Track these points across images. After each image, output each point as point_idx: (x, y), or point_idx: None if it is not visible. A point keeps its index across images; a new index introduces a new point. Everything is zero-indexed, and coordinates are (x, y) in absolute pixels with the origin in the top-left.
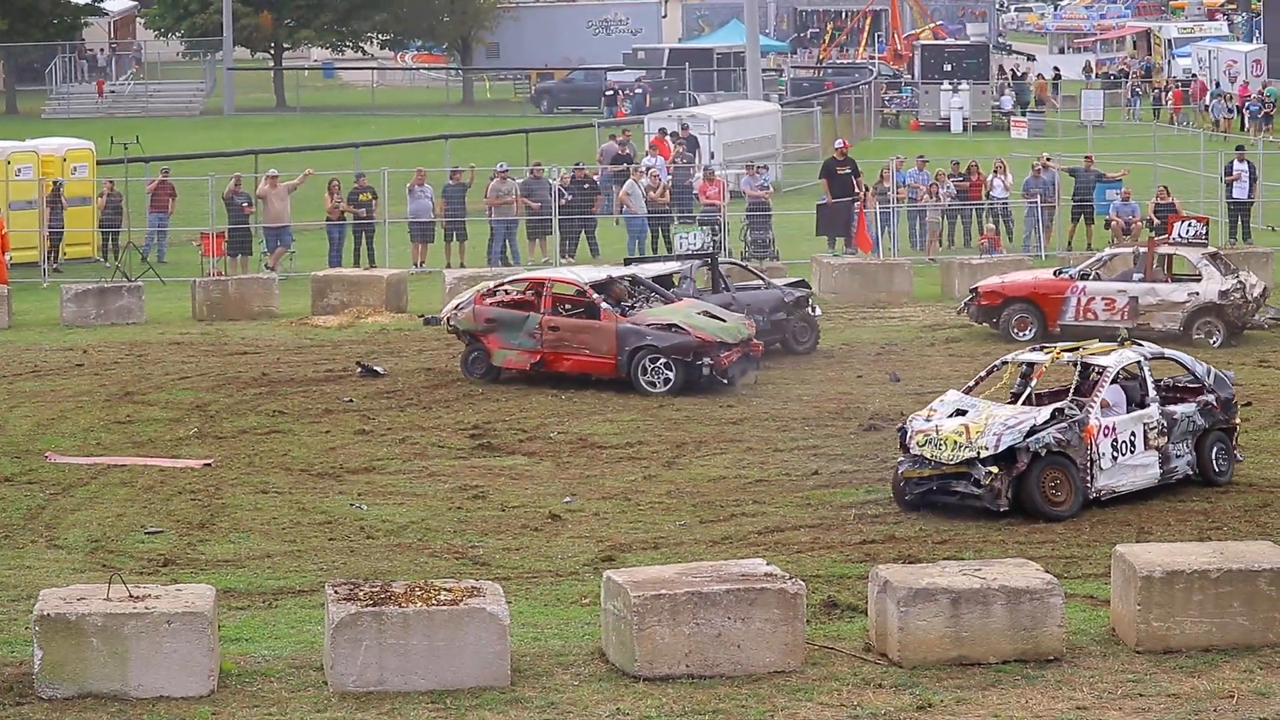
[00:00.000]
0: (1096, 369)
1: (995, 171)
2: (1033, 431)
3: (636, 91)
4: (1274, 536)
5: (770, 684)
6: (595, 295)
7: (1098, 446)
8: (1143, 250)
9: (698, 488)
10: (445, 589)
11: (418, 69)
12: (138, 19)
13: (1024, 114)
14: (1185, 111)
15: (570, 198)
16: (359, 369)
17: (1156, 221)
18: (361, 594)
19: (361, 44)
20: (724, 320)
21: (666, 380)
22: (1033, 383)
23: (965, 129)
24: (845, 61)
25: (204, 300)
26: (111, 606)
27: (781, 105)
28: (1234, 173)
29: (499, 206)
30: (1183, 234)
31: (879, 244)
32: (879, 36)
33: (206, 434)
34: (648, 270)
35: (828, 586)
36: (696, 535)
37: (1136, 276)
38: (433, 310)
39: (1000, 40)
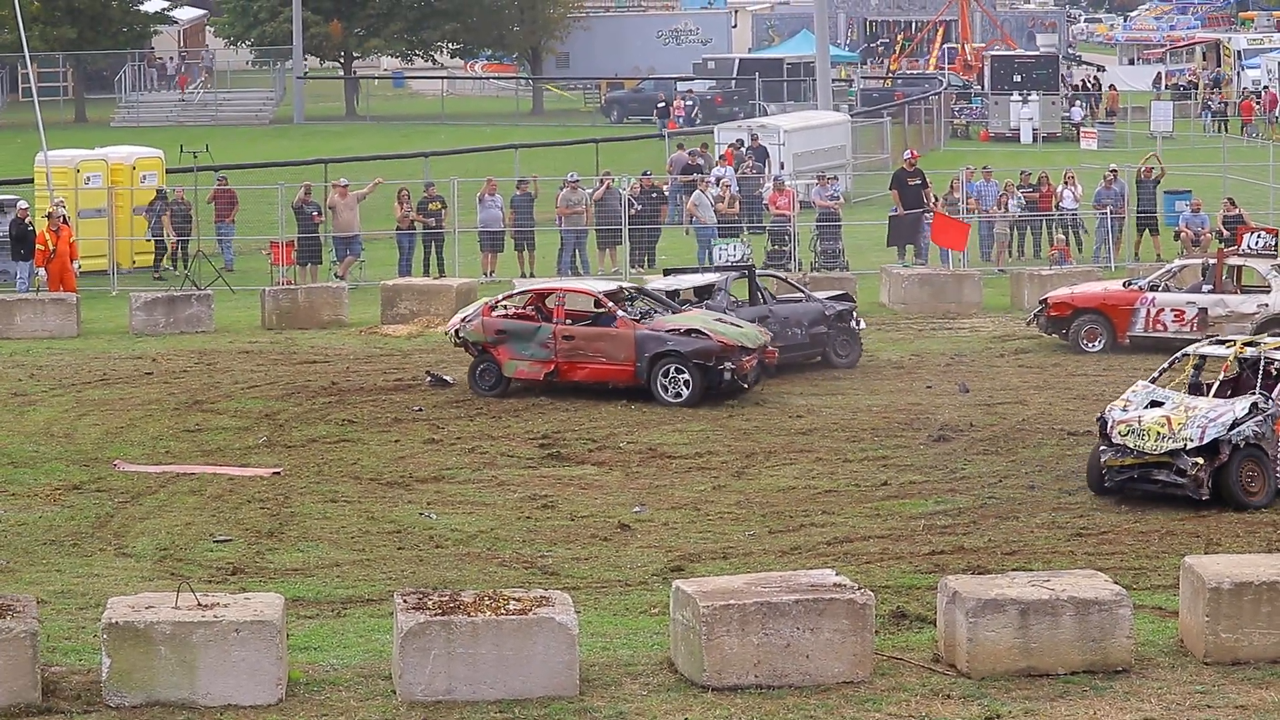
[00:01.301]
0: (1278, 364)
1: (1065, 182)
2: (1234, 425)
3: (688, 103)
4: None
5: (839, 694)
6: (611, 303)
7: None
8: (1212, 262)
9: (767, 498)
10: (514, 598)
11: (487, 78)
12: (207, 27)
13: (1094, 124)
14: (1256, 123)
15: (640, 208)
16: (428, 378)
17: (1226, 233)
18: (430, 603)
19: (431, 53)
20: (740, 327)
21: (684, 388)
22: (1219, 376)
23: (1035, 140)
24: (915, 72)
25: (273, 309)
26: (180, 615)
27: (851, 115)
28: None
29: (569, 216)
30: (1252, 245)
31: (948, 256)
32: (949, 47)
33: (275, 442)
34: (685, 282)
35: (896, 597)
36: (765, 545)
37: (1206, 288)
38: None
39: (1070, 51)
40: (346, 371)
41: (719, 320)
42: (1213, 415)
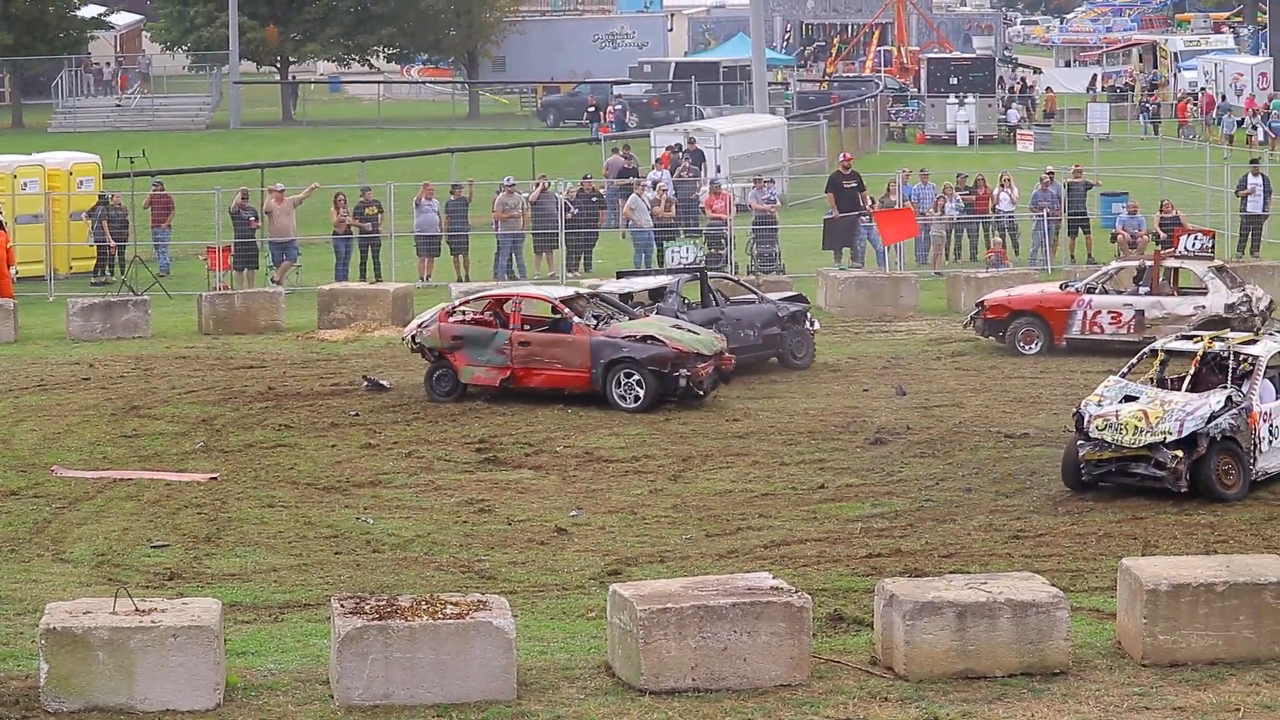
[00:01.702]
0: (1248, 358)
1: (1001, 185)
2: (1212, 418)
3: (617, 108)
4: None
5: (776, 697)
6: (567, 309)
7: (1259, 431)
8: (1149, 264)
9: (703, 501)
10: (451, 603)
11: (424, 82)
12: (144, 32)
13: (1030, 127)
14: (1192, 124)
15: (576, 211)
16: (365, 383)
17: (1162, 235)
18: (368, 607)
19: (368, 57)
20: (696, 334)
21: (638, 396)
22: (1189, 371)
23: (971, 142)
24: (851, 75)
25: (210, 314)
26: (117, 620)
27: (787, 119)
28: (1248, 186)
29: (505, 220)
30: (1189, 247)
31: (885, 258)
32: (885, 50)
33: (212, 448)
34: (638, 284)
35: (834, 600)
36: (702, 549)
37: (1143, 290)
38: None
39: (1006, 53)
40: (283, 376)
41: (676, 327)
42: (1190, 409)
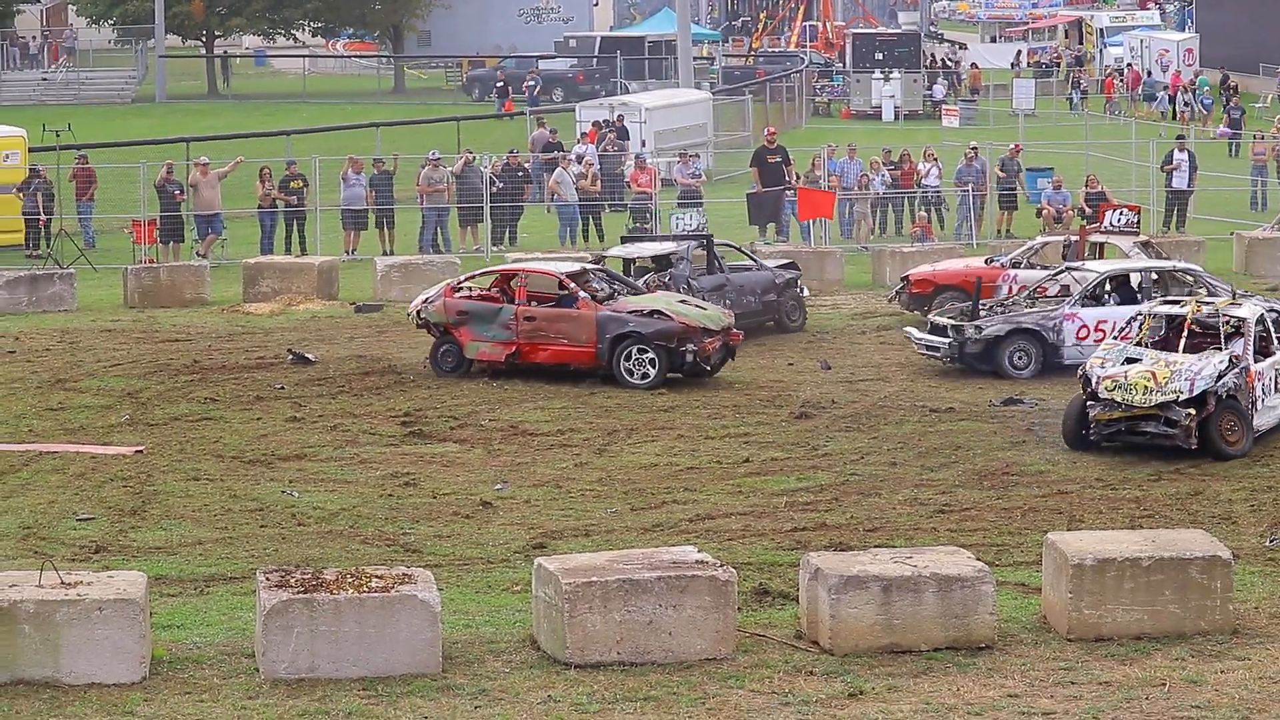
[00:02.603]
0: (1237, 320)
1: (926, 160)
2: (1219, 377)
3: (529, 84)
4: (1205, 525)
5: (701, 671)
6: (573, 285)
7: (1255, 390)
8: (1074, 239)
9: (629, 475)
10: (377, 576)
11: (349, 56)
12: (70, 6)
13: (956, 102)
14: (1118, 100)
15: (501, 185)
16: (290, 356)
17: (1088, 210)
18: (293, 581)
19: (293, 31)
20: (704, 308)
21: (647, 372)
22: (1185, 333)
23: (897, 117)
24: (777, 50)
25: (136, 287)
26: (43, 593)
27: (713, 93)
28: (1174, 162)
29: (431, 194)
30: (1114, 222)
31: (810, 232)
32: (810, 25)
33: (138, 421)
34: (645, 250)
35: (759, 574)
36: (628, 523)
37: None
38: (364, 298)
39: (932, 28)
40: (208, 350)
41: (683, 302)
42: (1196, 369)
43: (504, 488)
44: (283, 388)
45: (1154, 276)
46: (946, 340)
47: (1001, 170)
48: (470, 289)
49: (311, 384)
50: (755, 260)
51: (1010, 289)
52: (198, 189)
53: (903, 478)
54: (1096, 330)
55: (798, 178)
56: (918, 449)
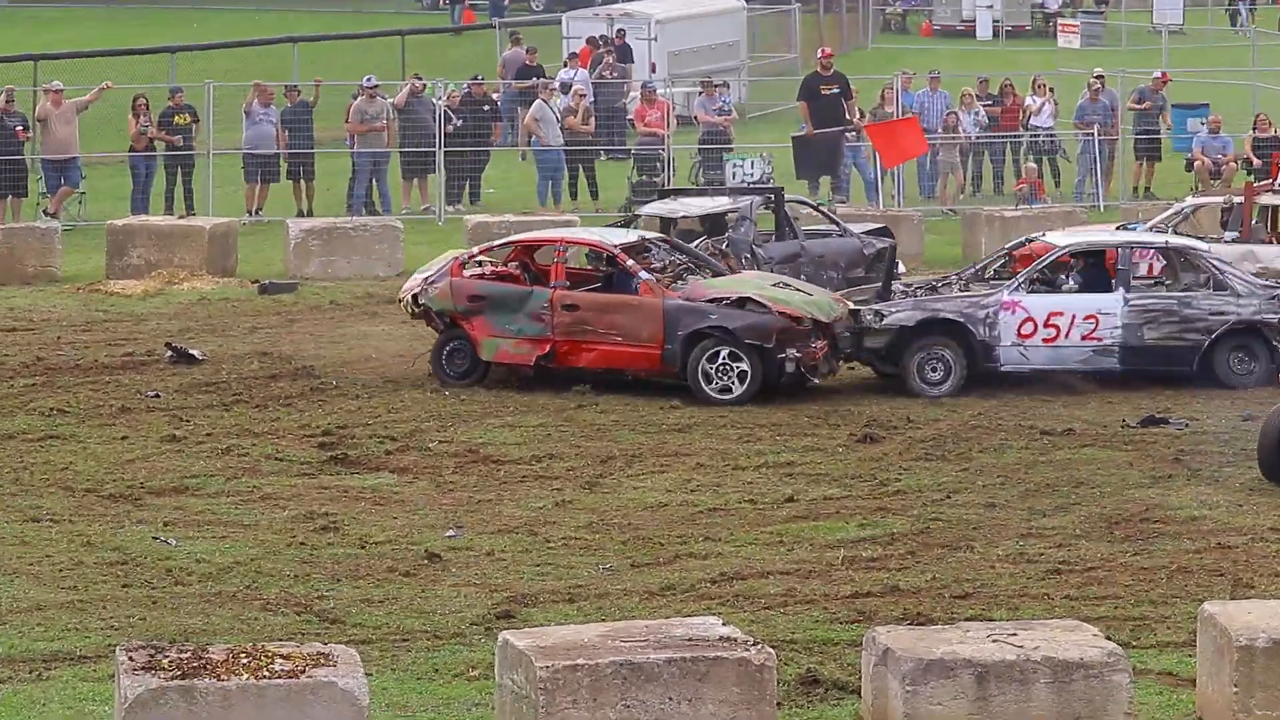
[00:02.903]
0: None
1: (1037, 93)
2: None
3: None
4: None
5: None
6: (630, 261)
7: None
8: (1237, 199)
9: (629, 519)
10: (282, 656)
11: None
12: None
13: (1076, 15)
14: None
15: (460, 123)
16: (169, 353)
17: (1256, 162)
18: (166, 662)
19: None
20: (810, 294)
21: (733, 384)
22: None
23: (996, 35)
24: None
25: None
26: None
27: (747, 2)
28: None
29: (365, 135)
30: None
31: (878, 189)
32: None
33: None
34: (691, 208)
35: (807, 656)
36: (627, 584)
37: (1229, 236)
38: (271, 275)
39: None
40: (57, 343)
41: (782, 285)
42: None
43: (458, 535)
44: (158, 396)
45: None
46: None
47: (1139, 105)
48: (484, 265)
49: (197, 391)
50: (838, 223)
51: (1151, 267)
52: (48, 124)
53: (1004, 525)
54: (1047, 326)
55: (861, 115)
56: (1024, 485)
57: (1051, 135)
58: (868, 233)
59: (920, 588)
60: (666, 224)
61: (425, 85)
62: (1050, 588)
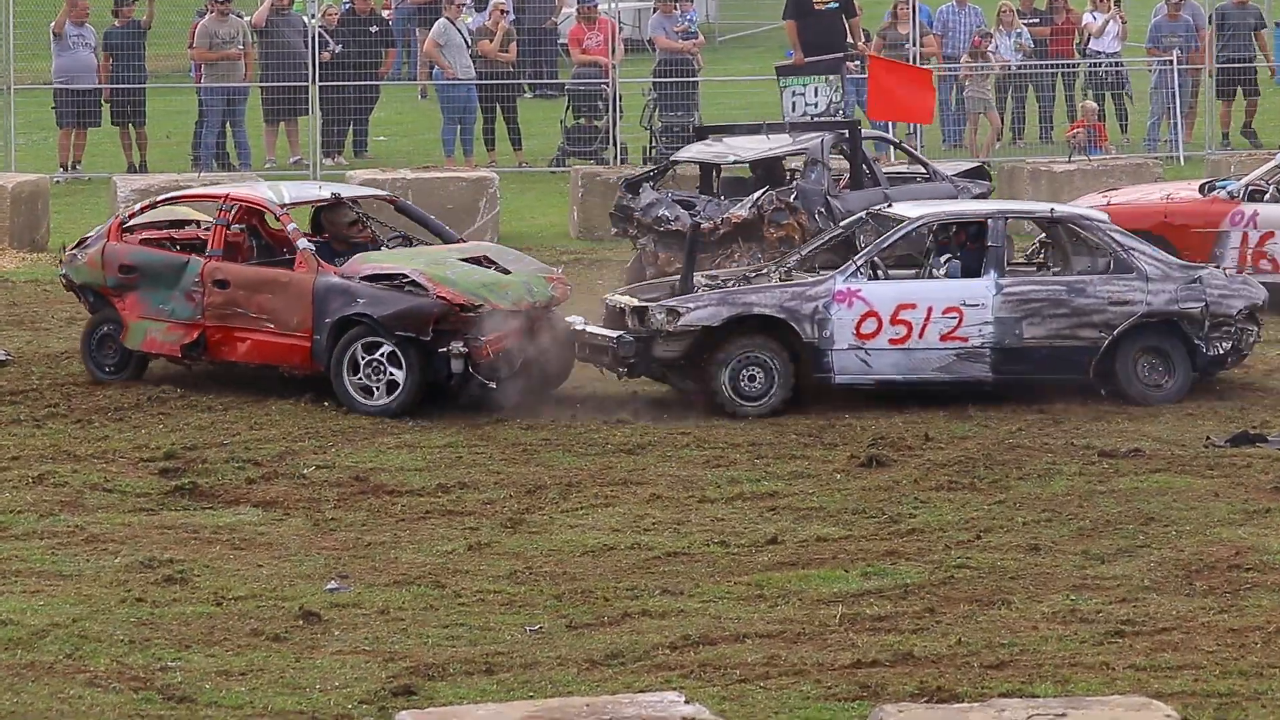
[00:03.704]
0: None
1: (1098, 8)
2: None
3: None
4: None
5: None
6: (290, 223)
7: None
8: None
9: (564, 566)
10: None
11: None
12: None
13: None
14: None
15: (339, 49)
16: None
17: None
18: None
19: None
20: (507, 271)
21: (392, 386)
22: None
23: None
24: None
25: None
26: None
27: None
28: None
29: (214, 65)
30: None
31: (888, 135)
32: None
33: None
34: (742, 150)
35: None
36: (561, 650)
37: None
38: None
39: None
40: None
41: (474, 259)
42: None
43: (342, 588)
44: None
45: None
46: (615, 335)
47: (1227, 26)
48: (145, 227)
49: (2, 400)
50: (925, 164)
51: (1245, 239)
52: None
53: (1050, 573)
54: (895, 323)
55: (866, 38)
56: (1076, 523)
57: (1117, 64)
58: (960, 174)
59: (941, 655)
60: (709, 171)
61: None
62: (1111, 655)
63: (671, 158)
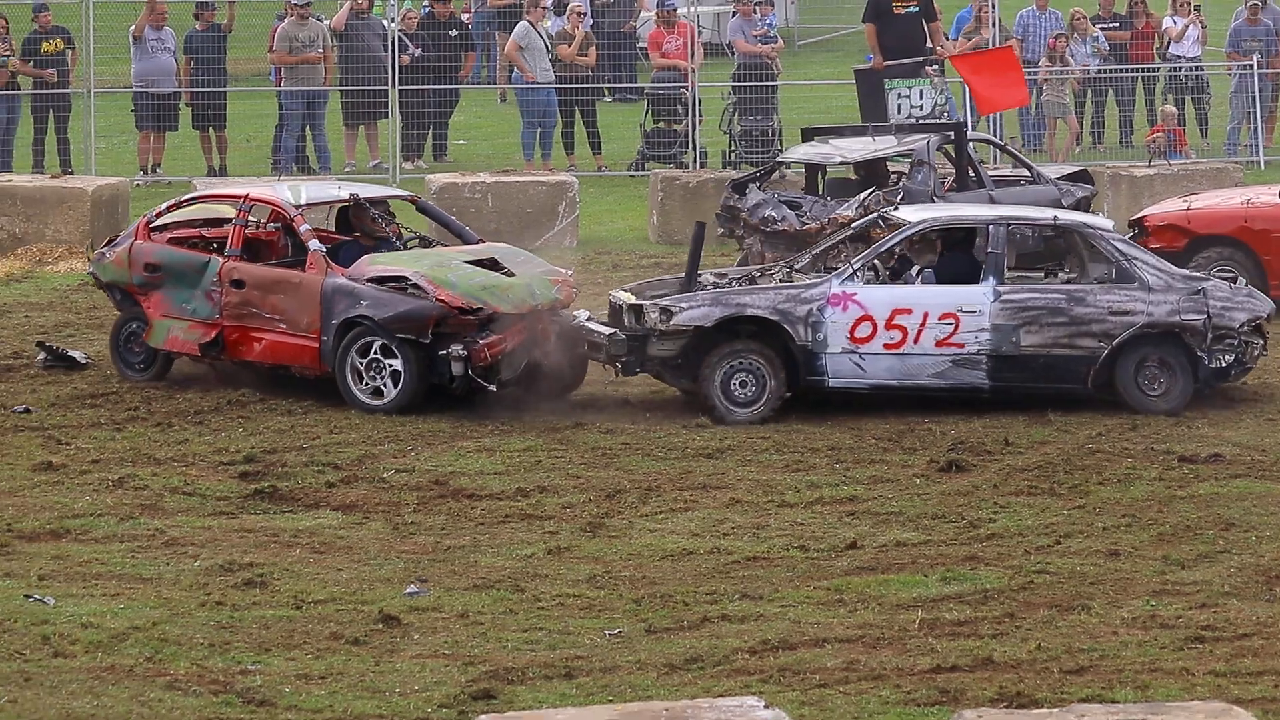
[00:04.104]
0: None
1: (1177, 11)
2: None
3: None
4: None
5: None
6: (303, 224)
7: None
8: None
9: (643, 570)
10: None
11: None
12: None
13: None
14: None
15: (420, 52)
16: (42, 355)
17: None
18: None
19: None
20: (512, 275)
21: (394, 381)
22: None
23: None
24: None
25: None
26: None
27: None
28: None
29: (294, 68)
30: None
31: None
32: None
33: None
34: (847, 150)
35: None
36: (640, 654)
37: None
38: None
39: None
40: None
41: (480, 261)
42: None
43: (422, 591)
44: (28, 411)
45: (1026, 232)
46: (608, 332)
47: None
48: (171, 227)
49: (80, 404)
50: (1030, 167)
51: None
52: None
53: (1130, 578)
54: (890, 327)
55: (947, 41)
56: (1156, 528)
57: (1197, 68)
58: (1064, 178)
59: (1021, 660)
60: (814, 171)
61: (374, 2)
62: (1191, 660)
63: (778, 158)
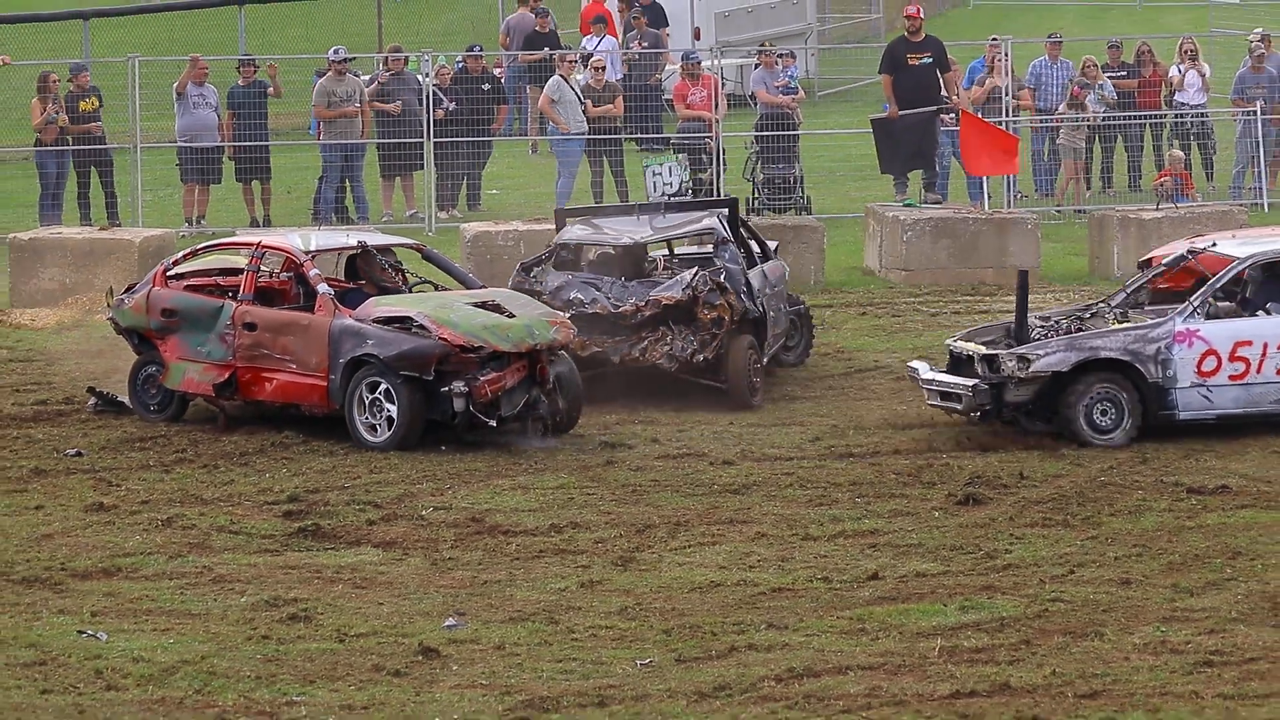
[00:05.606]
0: None
1: (1183, 59)
2: None
3: None
4: None
5: None
6: (312, 269)
7: None
8: None
9: (673, 602)
10: None
11: None
12: None
13: None
14: None
15: (454, 106)
16: (94, 400)
17: None
18: None
19: None
20: (512, 315)
21: (390, 420)
22: None
23: None
24: None
25: None
26: None
27: None
28: None
29: (332, 121)
30: None
31: (983, 185)
32: None
33: None
34: (634, 231)
35: None
36: (671, 683)
37: None
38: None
39: None
40: None
41: (484, 305)
42: None
43: (459, 624)
44: (80, 454)
45: None
46: (970, 384)
47: None
48: (188, 274)
49: (130, 446)
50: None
51: None
52: None
53: (1141, 606)
54: (1233, 359)
55: (962, 92)
56: (1166, 557)
57: (1203, 115)
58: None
59: (1037, 685)
60: (577, 252)
61: (409, 58)
62: (1200, 684)
63: (556, 241)
